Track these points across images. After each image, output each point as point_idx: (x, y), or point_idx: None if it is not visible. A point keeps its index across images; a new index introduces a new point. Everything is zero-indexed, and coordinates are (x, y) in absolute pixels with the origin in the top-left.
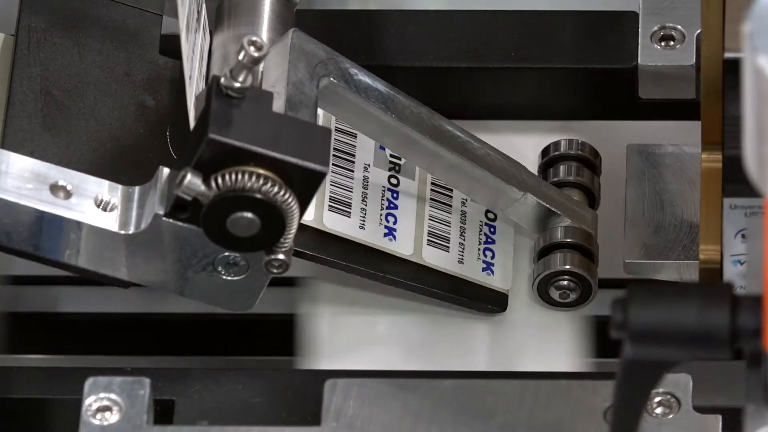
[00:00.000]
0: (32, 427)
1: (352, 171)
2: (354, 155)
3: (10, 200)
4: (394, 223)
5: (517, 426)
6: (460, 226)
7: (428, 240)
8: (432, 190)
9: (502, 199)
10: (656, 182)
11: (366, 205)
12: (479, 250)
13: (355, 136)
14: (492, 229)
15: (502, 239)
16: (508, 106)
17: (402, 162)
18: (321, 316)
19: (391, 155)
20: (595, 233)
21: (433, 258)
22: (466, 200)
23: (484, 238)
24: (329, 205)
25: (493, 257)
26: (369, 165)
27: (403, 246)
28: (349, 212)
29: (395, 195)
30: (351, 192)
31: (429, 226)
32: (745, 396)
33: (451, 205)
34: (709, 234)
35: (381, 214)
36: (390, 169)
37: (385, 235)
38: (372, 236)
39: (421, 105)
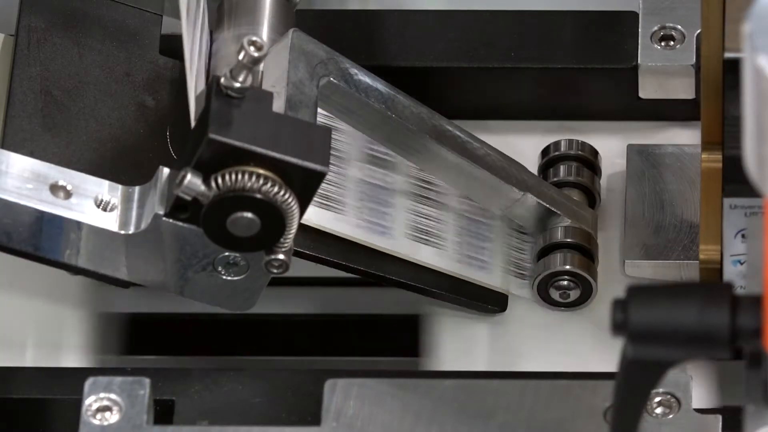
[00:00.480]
0: (32, 427)
1: (345, 169)
2: (347, 153)
3: (10, 200)
4: (389, 221)
5: (517, 426)
6: (456, 225)
7: (424, 238)
8: (427, 188)
9: (501, 198)
10: (656, 182)
11: (360, 203)
12: (476, 248)
13: (348, 133)
14: (489, 228)
15: (498, 238)
16: (508, 106)
17: (396, 160)
18: None
19: (386, 153)
20: (595, 233)
21: (428, 256)
22: (462, 198)
23: (480, 237)
24: (322, 203)
25: (489, 255)
26: (362, 163)
27: (398, 244)
28: (343, 210)
29: (390, 193)
30: (344, 189)
31: (425, 225)
32: (745, 396)
33: (446, 204)
34: (709, 234)
35: (375, 212)
36: (384, 167)
37: (380, 233)
38: (366, 234)
39: (421, 105)
